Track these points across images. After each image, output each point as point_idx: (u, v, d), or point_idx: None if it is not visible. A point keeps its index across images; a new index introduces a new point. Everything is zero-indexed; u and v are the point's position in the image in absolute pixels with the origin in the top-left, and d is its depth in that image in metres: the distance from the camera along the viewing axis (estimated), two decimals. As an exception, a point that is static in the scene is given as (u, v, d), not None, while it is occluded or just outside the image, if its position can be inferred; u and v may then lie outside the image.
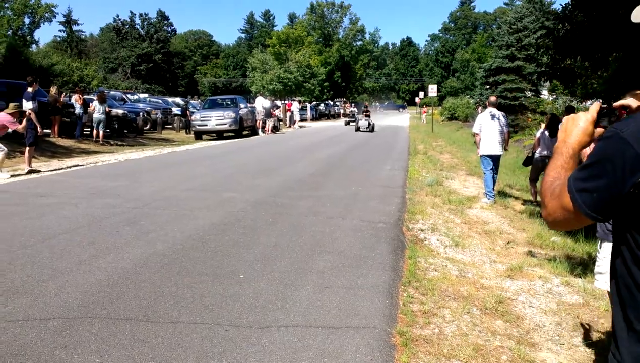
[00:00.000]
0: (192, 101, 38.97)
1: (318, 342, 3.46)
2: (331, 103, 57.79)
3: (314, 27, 70.51)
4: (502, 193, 10.26)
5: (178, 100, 37.45)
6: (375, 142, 21.98)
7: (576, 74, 13.62)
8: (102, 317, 3.78)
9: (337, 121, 45.15)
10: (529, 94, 30.83)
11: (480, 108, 25.65)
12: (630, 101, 1.43)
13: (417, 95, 64.85)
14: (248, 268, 4.92)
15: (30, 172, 11.25)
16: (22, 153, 12.06)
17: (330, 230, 6.41)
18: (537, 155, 9.71)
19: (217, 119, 22.75)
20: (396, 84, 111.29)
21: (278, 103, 38.16)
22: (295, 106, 35.49)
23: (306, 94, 49.06)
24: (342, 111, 54.50)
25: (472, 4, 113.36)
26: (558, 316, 4.26)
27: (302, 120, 38.75)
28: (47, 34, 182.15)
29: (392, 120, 48.05)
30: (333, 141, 21.50)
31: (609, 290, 3.23)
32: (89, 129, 18.83)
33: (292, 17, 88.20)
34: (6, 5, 40.49)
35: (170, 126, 28.20)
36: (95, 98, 18.58)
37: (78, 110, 18.09)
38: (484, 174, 9.56)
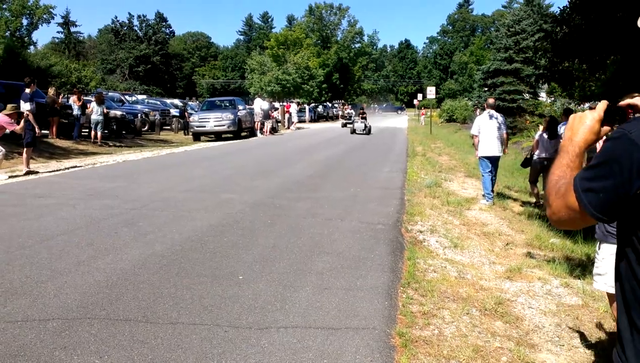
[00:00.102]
0: (190, 103, 38.94)
1: (317, 343, 3.46)
2: (329, 105, 57.82)
3: (313, 29, 70.61)
4: (501, 195, 10.27)
5: (176, 101, 37.40)
6: (373, 143, 21.99)
7: (574, 76, 13.66)
8: (102, 317, 3.77)
9: (336, 123, 45.13)
10: (527, 96, 30.92)
11: (478, 110, 25.66)
12: (637, 100, 1.42)
13: (416, 97, 64.99)
14: (247, 269, 4.92)
15: (28, 173, 11.23)
16: (20, 154, 12.03)
17: (329, 232, 6.41)
18: (535, 157, 9.73)
19: (216, 120, 22.74)
20: (394, 86, 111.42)
21: (276, 105, 38.16)
22: (294, 108, 35.50)
23: (304, 95, 49.10)
24: (340, 113, 54.55)
25: (471, 7, 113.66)
26: (557, 317, 4.27)
27: (301, 121, 38.79)
28: (45, 35, 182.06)
29: (390, 122, 48.07)
30: (331, 143, 21.51)
31: (608, 291, 3.24)
32: (87, 130, 18.81)
33: (290, 19, 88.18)
34: (4, 6, 40.43)
35: (169, 127, 28.18)
36: (93, 99, 18.56)
37: (76, 111, 18.06)
38: (483, 176, 9.57)
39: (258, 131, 26.47)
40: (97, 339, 3.43)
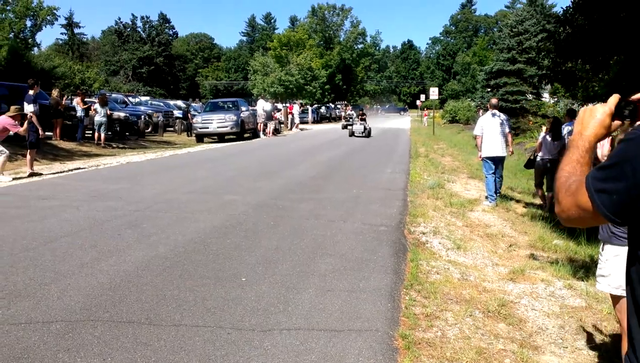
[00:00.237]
0: (193, 104, 38.99)
1: (320, 345, 3.46)
2: (332, 106, 57.80)
3: (315, 30, 70.65)
4: (504, 196, 10.24)
5: (179, 103, 37.43)
6: (376, 145, 21.98)
7: (577, 76, 13.65)
8: (105, 320, 3.78)
9: (339, 124, 45.09)
10: (530, 96, 30.85)
11: (481, 111, 25.62)
12: None
13: (419, 98, 64.85)
14: (250, 271, 4.92)
15: (31, 174, 11.27)
16: (24, 156, 12.08)
17: (331, 233, 6.41)
18: (539, 158, 9.70)
19: (219, 121, 22.76)
20: (397, 87, 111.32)
21: (279, 106, 38.19)
22: (296, 109, 35.53)
23: (307, 96, 49.11)
24: (343, 114, 54.52)
25: (473, 7, 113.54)
26: (561, 319, 4.26)
27: (304, 122, 38.78)
28: (48, 36, 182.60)
29: (393, 123, 48.03)
30: (334, 144, 21.51)
31: (611, 292, 3.23)
32: (91, 132, 18.86)
33: (293, 20, 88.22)
34: (8, 8, 40.59)
35: (172, 129, 28.23)
36: (96, 101, 18.60)
37: (80, 113, 18.12)
38: (486, 177, 9.55)
39: (261, 132, 26.49)
40: (101, 341, 3.44)
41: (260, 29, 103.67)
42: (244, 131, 24.18)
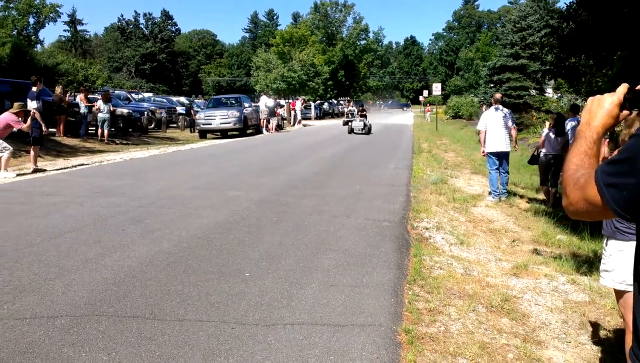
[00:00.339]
0: (196, 100, 39.00)
1: (324, 340, 3.47)
2: (335, 102, 57.76)
3: (318, 26, 70.59)
4: (507, 192, 10.22)
5: (182, 99, 37.49)
6: (378, 140, 21.96)
7: (581, 72, 13.61)
8: (109, 314, 3.79)
9: (341, 120, 45.10)
10: (533, 92, 30.74)
11: (484, 106, 25.56)
12: None
13: (421, 94, 64.78)
14: (253, 266, 4.93)
15: (35, 171, 11.30)
16: (28, 152, 12.11)
17: (334, 229, 6.42)
18: (542, 155, 9.67)
19: (222, 117, 22.79)
20: (400, 83, 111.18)
21: (282, 102, 38.18)
22: (298, 105, 35.52)
23: (310, 92, 49.12)
24: (345, 110, 54.44)
25: (476, 3, 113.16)
26: (564, 314, 4.26)
27: (306, 119, 38.75)
28: (51, 33, 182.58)
29: (396, 118, 48.00)
30: (337, 140, 21.50)
31: (615, 287, 3.23)
32: (94, 128, 18.89)
33: (295, 17, 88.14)
34: (11, 5, 40.61)
35: (175, 125, 28.25)
36: (99, 97, 18.63)
37: (83, 109, 18.15)
38: (489, 172, 9.54)
39: (264, 128, 26.50)
40: (105, 336, 3.45)
41: (262, 26, 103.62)
42: (247, 127, 24.20)
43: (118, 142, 18.98)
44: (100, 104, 17.80)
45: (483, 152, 9.83)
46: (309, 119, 41.42)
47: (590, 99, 1.45)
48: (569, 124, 9.93)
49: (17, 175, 10.75)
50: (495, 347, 3.56)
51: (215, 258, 5.18)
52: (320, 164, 13.08)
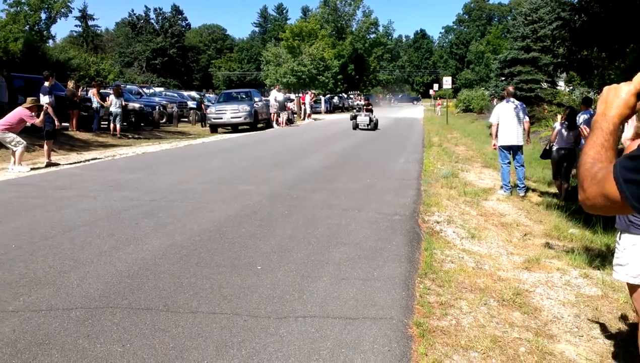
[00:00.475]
0: (207, 95, 39.11)
1: (335, 333, 3.49)
2: (345, 96, 57.66)
3: (327, 20, 70.34)
4: (526, 187, 10.12)
5: (193, 93, 37.58)
6: (389, 134, 21.90)
7: (593, 65, 13.49)
8: (124, 307, 3.84)
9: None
10: (545, 85, 30.45)
11: (495, 100, 25.37)
12: None
13: (432, 88, 64.46)
14: (265, 259, 4.96)
15: (49, 165, 11.42)
16: (41, 146, 12.23)
17: (345, 222, 6.43)
18: (554, 149, 9.59)
19: (232, 112, 22.82)
20: (410, 77, 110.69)
21: (292, 96, 38.18)
22: (308, 99, 35.52)
23: (320, 86, 49.06)
24: (355, 103, 54.37)
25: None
26: (576, 308, 4.25)
27: (316, 112, 38.73)
28: (63, 29, 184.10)
29: (406, 112, 47.82)
30: (347, 134, 21.47)
31: (628, 281, 3.21)
32: (106, 123, 19.03)
33: (305, 11, 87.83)
34: (23, 1, 40.93)
35: (186, 119, 28.36)
36: (111, 92, 18.74)
37: (95, 104, 18.28)
38: (502, 166, 9.47)
39: (274, 122, 26.53)
40: (120, 328, 3.50)
41: (272, 20, 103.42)
42: (258, 121, 24.23)
43: (130, 136, 19.10)
44: (112, 98, 17.91)
45: (494, 145, 9.77)
46: (319, 113, 41.40)
47: (606, 88, 1.41)
48: (581, 117, 9.84)
49: (31, 169, 10.87)
50: (507, 340, 3.56)
51: (227, 251, 5.22)
52: (331, 158, 13.09)
